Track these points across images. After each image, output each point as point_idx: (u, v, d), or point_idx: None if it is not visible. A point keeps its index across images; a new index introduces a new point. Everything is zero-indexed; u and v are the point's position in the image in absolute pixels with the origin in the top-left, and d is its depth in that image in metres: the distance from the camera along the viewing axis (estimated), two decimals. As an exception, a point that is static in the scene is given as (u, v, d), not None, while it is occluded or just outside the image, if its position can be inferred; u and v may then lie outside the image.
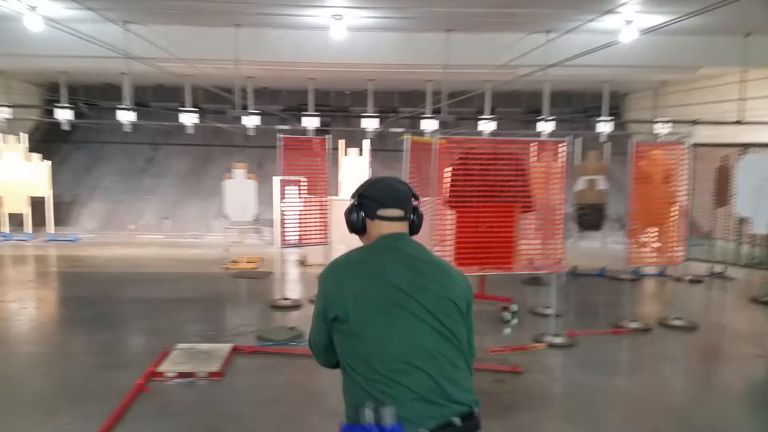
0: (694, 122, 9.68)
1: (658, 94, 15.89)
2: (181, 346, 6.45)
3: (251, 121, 13.35)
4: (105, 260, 11.70)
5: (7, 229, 13.60)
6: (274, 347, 6.61)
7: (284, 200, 8.29)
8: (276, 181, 13.04)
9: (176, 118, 15.62)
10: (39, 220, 13.71)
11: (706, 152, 9.78)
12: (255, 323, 7.53)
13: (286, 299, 8.41)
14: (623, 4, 7.51)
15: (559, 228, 7.01)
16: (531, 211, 7.31)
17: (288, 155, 8.17)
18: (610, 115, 13.95)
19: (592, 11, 7.76)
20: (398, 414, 1.92)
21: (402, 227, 2.29)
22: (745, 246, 10.76)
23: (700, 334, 7.59)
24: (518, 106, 17.16)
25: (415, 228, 2.34)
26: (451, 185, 7.07)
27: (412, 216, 2.31)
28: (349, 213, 2.33)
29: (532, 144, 7.14)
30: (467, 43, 8.55)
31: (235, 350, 6.42)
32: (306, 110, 14.97)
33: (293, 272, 10.99)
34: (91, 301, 8.64)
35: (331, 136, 8.90)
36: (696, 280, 10.45)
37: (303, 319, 7.69)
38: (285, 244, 8.46)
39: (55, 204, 13.67)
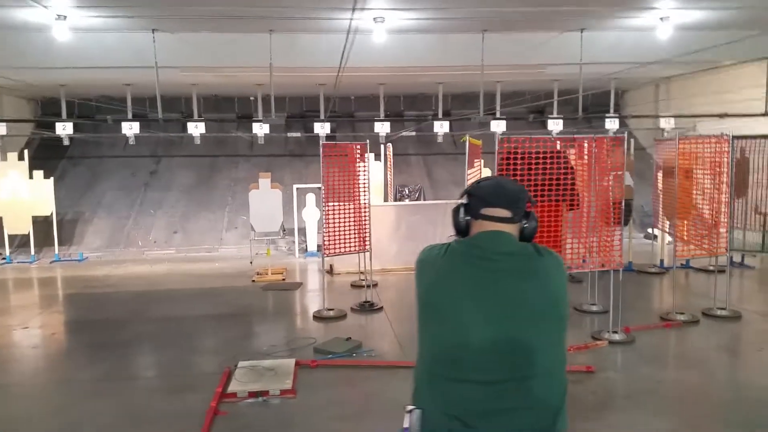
0: (722, 115, 9.70)
1: (659, 89, 16.01)
2: (243, 364, 6.23)
3: (261, 130, 13.12)
4: (121, 279, 11.37)
5: (7, 251, 13.15)
6: (337, 360, 6.44)
7: (328, 209, 8.08)
8: (294, 189, 12.93)
9: (179, 129, 15.37)
10: (39, 240, 13.29)
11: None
12: (306, 336, 7.33)
13: (330, 310, 8.22)
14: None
15: (618, 224, 6.96)
16: (577, 209, 7.25)
17: (328, 162, 7.98)
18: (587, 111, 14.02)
19: (628, 8, 7.75)
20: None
21: (509, 230, 2.07)
22: (759, 235, 10.84)
23: (745, 323, 7.66)
24: (523, 105, 17.17)
25: (527, 234, 2.12)
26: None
27: (523, 221, 2.10)
28: (455, 213, 2.17)
29: (589, 141, 7.03)
30: (502, 43, 8.49)
31: (298, 365, 6.22)
32: (310, 116, 14.84)
33: (322, 282, 10.78)
34: (125, 322, 8.36)
35: (368, 141, 8.74)
36: (719, 270, 10.51)
37: (354, 329, 7.53)
38: (328, 253, 8.25)
39: (56, 222, 13.26)
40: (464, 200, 2.16)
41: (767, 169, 9.27)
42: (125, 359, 6.95)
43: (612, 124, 13.98)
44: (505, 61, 9.32)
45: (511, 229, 2.09)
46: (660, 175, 10.33)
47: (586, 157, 7.12)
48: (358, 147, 8.33)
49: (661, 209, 10.42)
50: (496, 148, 6.38)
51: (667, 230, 10.71)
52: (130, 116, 13.26)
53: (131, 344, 7.43)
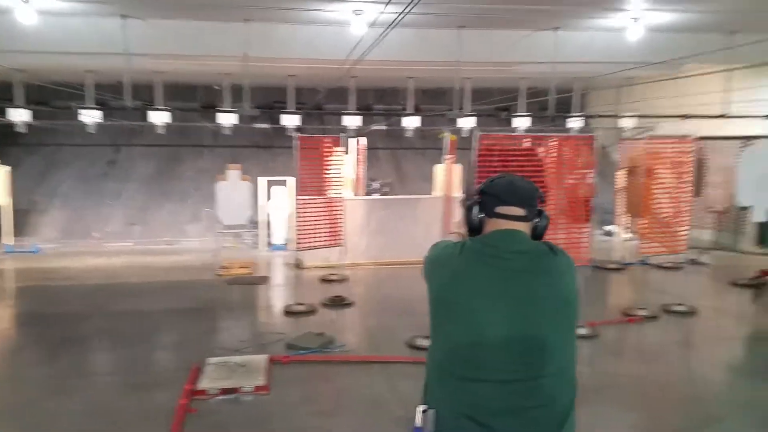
0: (685, 116, 9.95)
1: (621, 90, 16.32)
2: (213, 360, 6.11)
3: (228, 120, 12.83)
4: (80, 272, 11.03)
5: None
6: (310, 355, 6.37)
7: (301, 202, 7.99)
8: (261, 182, 12.75)
9: (139, 118, 14.93)
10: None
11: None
12: (276, 331, 7.23)
13: (300, 304, 8.13)
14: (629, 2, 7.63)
15: (588, 221, 7.08)
16: (543, 206, 7.35)
17: (302, 155, 7.88)
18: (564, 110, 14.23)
19: (602, 8, 7.85)
20: None
21: (522, 228, 2.10)
22: (712, 233, 11.21)
23: (702, 319, 7.91)
24: (489, 101, 17.30)
25: (538, 233, 2.14)
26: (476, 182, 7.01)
27: (536, 219, 2.12)
28: (467, 210, 2.17)
29: (562, 140, 7.13)
30: (478, 40, 8.50)
31: (270, 361, 6.13)
32: (278, 108, 14.60)
33: (290, 276, 10.68)
34: (85, 316, 8.11)
35: (345, 136, 8.66)
36: (675, 267, 10.83)
37: (325, 325, 7.46)
38: (301, 247, 8.15)
39: (11, 212, 12.76)
40: (476, 198, 2.15)
41: (723, 170, 9.60)
42: (87, 355, 6.75)
43: (576, 123, 14.22)
44: (480, 58, 9.35)
45: (524, 227, 2.11)
46: (622, 173, 10.55)
47: (555, 154, 7.21)
48: (332, 140, 8.25)
49: (621, 207, 10.65)
50: (474, 144, 6.41)
51: (627, 227, 10.97)
52: (90, 104, 12.83)
53: (92, 339, 7.22)
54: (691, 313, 7.95)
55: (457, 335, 2.00)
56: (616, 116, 13.26)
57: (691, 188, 8.07)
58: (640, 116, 12.77)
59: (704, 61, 9.91)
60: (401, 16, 5.98)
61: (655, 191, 8.12)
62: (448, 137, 6.38)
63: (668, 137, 8.14)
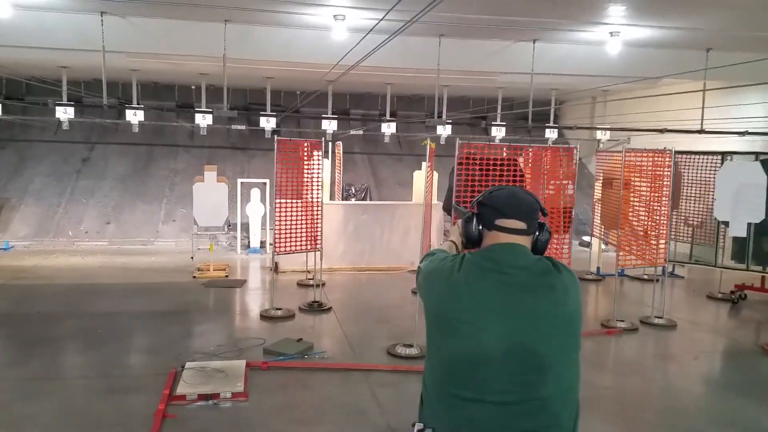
0: (663, 130, 10.13)
1: (596, 102, 16.59)
2: (191, 364, 6.03)
3: (204, 120, 12.72)
4: (53, 271, 10.80)
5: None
6: (289, 362, 6.32)
7: (280, 205, 7.93)
8: (239, 183, 12.65)
9: (114, 115, 14.72)
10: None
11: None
12: (254, 336, 7.17)
13: (277, 309, 8.07)
14: (609, 16, 7.76)
15: (568, 231, 7.16)
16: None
17: (282, 158, 7.83)
18: (542, 121, 14.42)
19: (580, 22, 7.97)
20: None
21: (523, 242, 2.03)
22: (687, 245, 11.40)
23: (680, 332, 8.01)
24: (465, 111, 17.44)
25: (539, 247, 2.07)
26: (453, 190, 7.05)
27: (536, 233, 2.06)
28: (465, 223, 2.12)
29: (545, 150, 7.21)
30: (459, 49, 8.56)
31: (248, 366, 6.07)
32: (255, 109, 14.52)
33: (267, 280, 10.59)
34: (58, 317, 7.95)
35: (326, 139, 8.65)
36: (651, 279, 10.98)
37: (303, 330, 7.43)
38: (279, 251, 8.10)
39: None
40: (474, 210, 2.11)
41: (699, 184, 9.79)
42: (60, 357, 6.61)
43: (553, 134, 14.41)
44: (459, 66, 9.42)
45: (525, 240, 2.04)
46: (599, 185, 10.70)
47: (531, 164, 7.30)
48: (310, 144, 8.21)
49: (598, 218, 10.80)
50: (456, 152, 6.45)
51: (603, 238, 11.12)
52: (64, 99, 12.60)
53: (66, 341, 7.06)
54: (670, 326, 8.04)
55: (456, 351, 1.93)
56: (597, 128, 13.46)
57: (668, 201, 8.21)
58: (621, 129, 12.96)
59: (680, 78, 10.13)
60: (378, 22, 5.98)
61: (633, 203, 8.25)
62: (428, 145, 6.40)
63: (647, 150, 8.26)
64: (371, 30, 6.71)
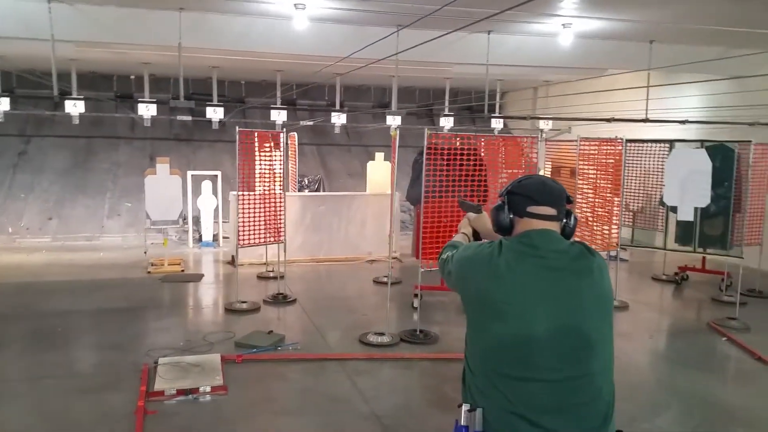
0: (611, 120, 10.56)
1: (537, 91, 17.08)
2: (164, 360, 5.97)
3: (148, 111, 12.37)
4: (-4, 269, 10.34)
5: None
6: (262, 354, 6.33)
7: (242, 198, 7.87)
8: (189, 176, 12.40)
9: (50, 107, 14.06)
10: None
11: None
12: (222, 330, 7.12)
13: (242, 302, 8.03)
14: (561, 8, 8.02)
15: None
16: (485, 204, 7.66)
17: (243, 150, 7.77)
18: (491, 111, 14.76)
19: (533, 13, 8.20)
20: None
21: (554, 228, 2.15)
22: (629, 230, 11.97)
23: (634, 312, 8.45)
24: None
25: (567, 232, 2.19)
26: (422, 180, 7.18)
27: (564, 219, 2.18)
28: (496, 211, 2.23)
29: (508, 140, 7.43)
30: (415, 41, 8.65)
31: (223, 360, 6.05)
32: (199, 99, 14.18)
33: (225, 273, 10.49)
34: (15, 316, 7.67)
35: (285, 130, 8.62)
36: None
37: (271, 322, 7.44)
38: (242, 244, 8.04)
39: None
40: (504, 199, 2.22)
41: (641, 171, 10.25)
42: (22, 358, 6.38)
43: (498, 123, 14.76)
44: (415, 57, 9.53)
45: (555, 226, 2.16)
46: (547, 174, 11.08)
47: (492, 154, 7.53)
48: (272, 135, 8.17)
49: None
50: (425, 143, 6.60)
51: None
52: (-1, 91, 11.99)
53: (25, 341, 6.82)
54: (623, 307, 8.42)
55: (503, 333, 2.03)
56: (557, 118, 13.87)
57: (616, 189, 8.60)
58: (572, 119, 13.39)
59: (624, 68, 10.57)
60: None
61: (583, 190, 8.59)
62: (395, 135, 6.50)
63: (600, 139, 8.62)
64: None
